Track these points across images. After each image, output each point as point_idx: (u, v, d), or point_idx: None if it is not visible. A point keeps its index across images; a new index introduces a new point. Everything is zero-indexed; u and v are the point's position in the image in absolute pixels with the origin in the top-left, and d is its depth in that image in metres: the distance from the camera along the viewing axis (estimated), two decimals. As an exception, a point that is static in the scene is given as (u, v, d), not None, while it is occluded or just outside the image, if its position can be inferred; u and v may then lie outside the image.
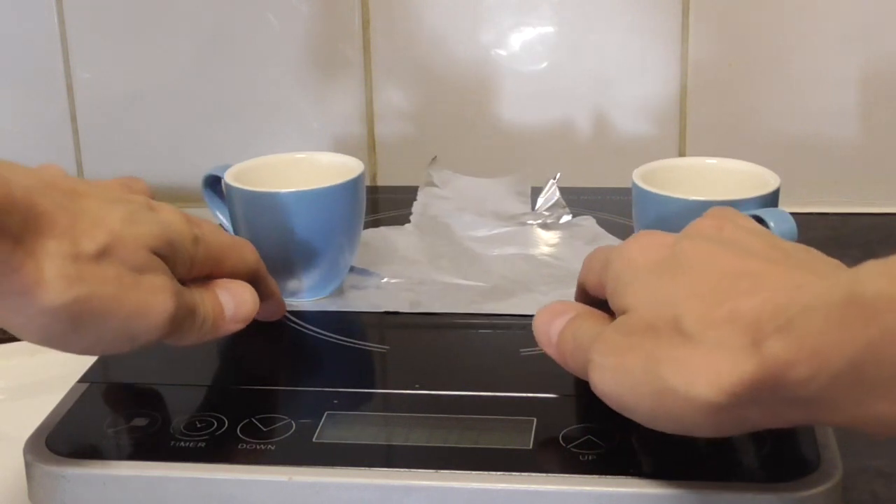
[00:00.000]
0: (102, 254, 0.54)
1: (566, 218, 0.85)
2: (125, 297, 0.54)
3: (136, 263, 0.55)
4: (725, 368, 0.47)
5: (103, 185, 0.60)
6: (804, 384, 0.44)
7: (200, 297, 0.60)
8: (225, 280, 0.62)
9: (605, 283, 0.56)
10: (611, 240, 0.83)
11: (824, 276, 0.50)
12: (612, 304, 0.55)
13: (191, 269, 0.60)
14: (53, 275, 0.51)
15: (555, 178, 0.88)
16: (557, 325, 0.57)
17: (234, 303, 0.61)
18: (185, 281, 0.59)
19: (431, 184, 0.92)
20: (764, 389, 0.46)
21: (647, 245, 0.55)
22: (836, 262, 0.52)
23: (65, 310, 0.52)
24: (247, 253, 0.65)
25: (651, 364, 0.49)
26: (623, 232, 0.83)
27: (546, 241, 0.83)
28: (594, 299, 0.59)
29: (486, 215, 0.86)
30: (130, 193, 0.60)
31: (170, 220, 0.58)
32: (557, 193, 0.87)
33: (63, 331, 0.53)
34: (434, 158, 0.94)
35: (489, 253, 0.81)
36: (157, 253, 0.56)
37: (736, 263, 0.51)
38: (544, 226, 0.85)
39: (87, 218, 0.54)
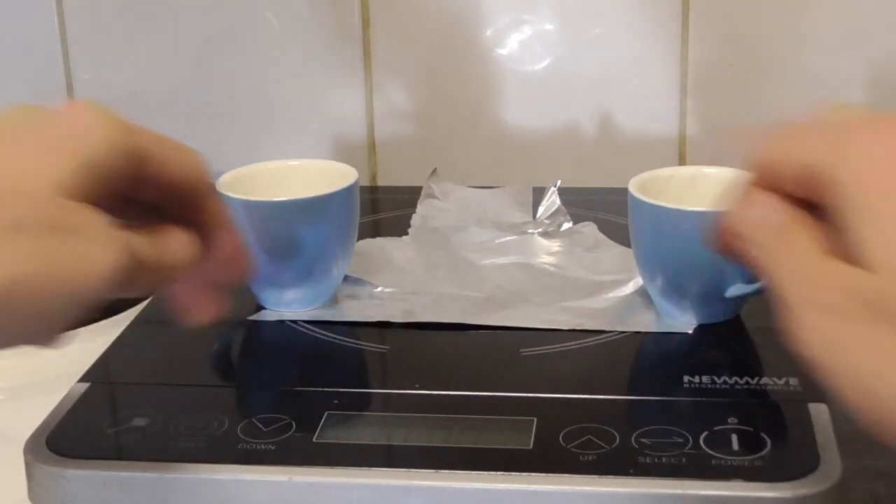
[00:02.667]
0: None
1: (567, 225, 0.85)
2: (54, 267, 0.42)
3: (51, 221, 0.42)
4: None
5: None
6: None
7: (139, 241, 0.47)
8: (158, 225, 0.50)
9: (833, 202, 0.40)
10: (612, 246, 0.83)
11: None
12: (850, 243, 0.40)
13: (134, 188, 0.48)
14: None
15: (555, 186, 0.87)
16: (755, 216, 0.44)
17: (172, 246, 0.49)
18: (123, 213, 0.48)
19: (432, 195, 0.91)
20: None
21: None
22: None
23: None
24: (190, 160, 0.50)
25: None
26: (624, 234, 0.83)
27: (546, 249, 0.83)
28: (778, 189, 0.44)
29: (487, 226, 0.86)
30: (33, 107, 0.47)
31: (85, 136, 0.45)
32: (558, 201, 0.86)
33: None
34: (434, 171, 0.93)
35: (486, 262, 0.81)
36: (78, 192, 0.44)
37: None
38: (545, 234, 0.84)
39: None
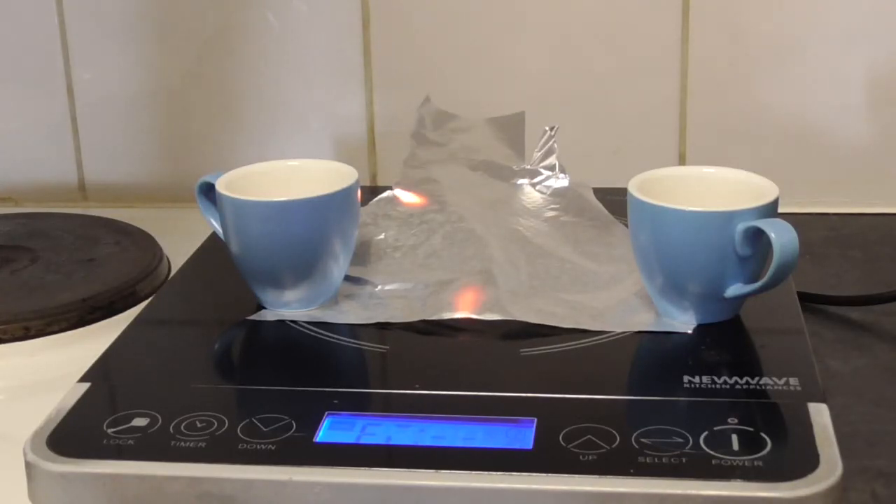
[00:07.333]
0: None
1: (562, 184, 0.84)
2: None
3: None
4: None
5: None
6: None
7: None
8: None
9: None
10: (610, 226, 0.83)
11: None
12: None
13: None
14: None
15: (552, 132, 0.85)
16: None
17: None
18: None
19: (423, 126, 0.90)
20: None
21: None
22: None
23: None
24: None
25: None
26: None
27: (538, 212, 0.83)
28: None
29: (477, 168, 0.85)
30: None
31: None
32: (556, 149, 0.85)
33: None
34: (427, 98, 0.93)
35: (480, 227, 0.80)
36: None
37: None
38: (539, 190, 0.84)
39: None
